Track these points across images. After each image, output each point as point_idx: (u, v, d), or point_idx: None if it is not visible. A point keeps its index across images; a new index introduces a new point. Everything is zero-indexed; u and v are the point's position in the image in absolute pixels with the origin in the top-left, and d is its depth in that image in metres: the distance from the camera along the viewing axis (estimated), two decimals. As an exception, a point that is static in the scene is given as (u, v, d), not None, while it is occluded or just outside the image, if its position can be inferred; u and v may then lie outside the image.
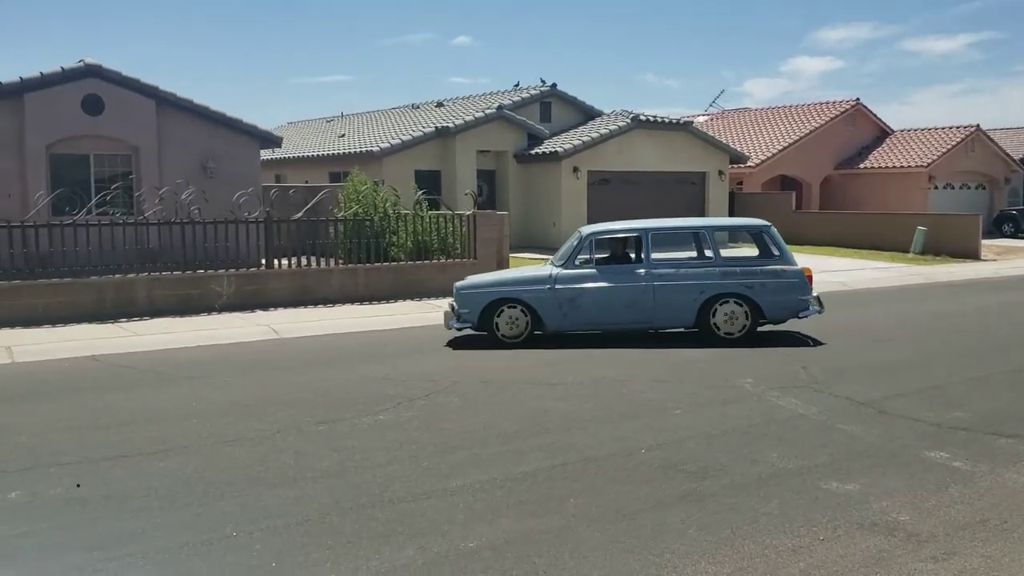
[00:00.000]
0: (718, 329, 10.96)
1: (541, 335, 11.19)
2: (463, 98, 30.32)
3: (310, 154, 28.04)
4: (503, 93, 28.66)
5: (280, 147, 21.56)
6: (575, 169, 25.21)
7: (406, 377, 9.19)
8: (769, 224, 11.70)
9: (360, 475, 5.88)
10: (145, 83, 18.42)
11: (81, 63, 18.03)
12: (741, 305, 10.98)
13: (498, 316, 11.10)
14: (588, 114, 28.10)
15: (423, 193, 17.26)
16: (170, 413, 7.79)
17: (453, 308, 11.35)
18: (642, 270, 11.14)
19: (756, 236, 11.71)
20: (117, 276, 13.23)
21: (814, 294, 11.18)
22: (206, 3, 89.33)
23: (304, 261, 15.08)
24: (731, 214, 28.95)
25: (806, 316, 11.13)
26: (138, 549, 4.64)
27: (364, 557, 4.51)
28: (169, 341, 11.55)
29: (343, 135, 29.03)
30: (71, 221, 13.52)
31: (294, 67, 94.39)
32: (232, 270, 14.16)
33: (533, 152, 25.73)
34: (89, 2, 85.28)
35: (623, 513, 5.11)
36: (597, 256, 11.41)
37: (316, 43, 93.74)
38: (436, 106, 29.75)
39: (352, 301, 14.99)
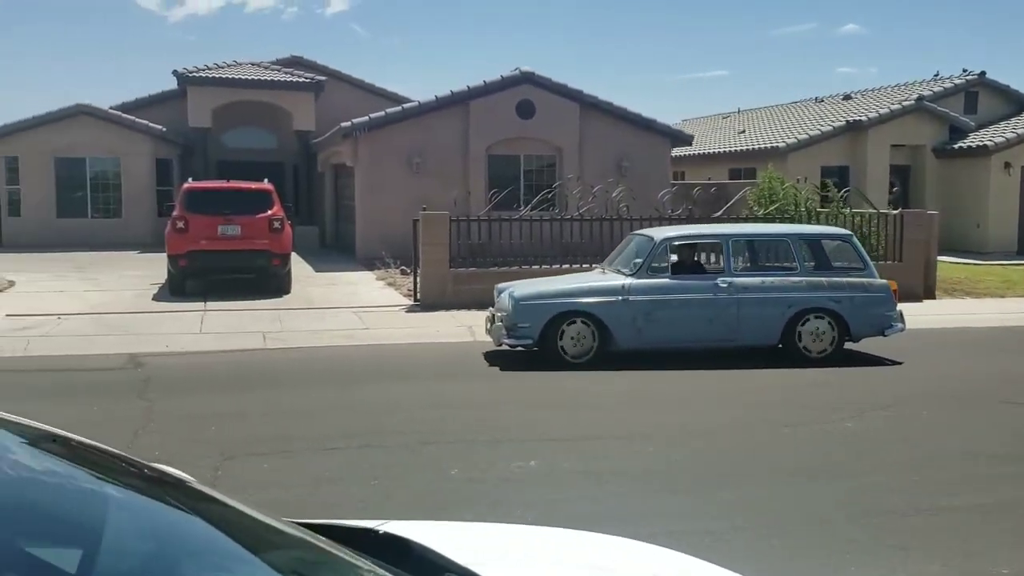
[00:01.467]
0: (804, 348, 10.10)
1: (611, 354, 9.95)
2: (872, 90, 28.70)
3: (709, 151, 28.28)
4: (920, 83, 26.69)
5: (690, 145, 22.04)
6: (1007, 165, 22.79)
7: (847, 382, 9.00)
8: (852, 233, 11.18)
9: (847, 482, 5.89)
10: (571, 88, 19.83)
11: (517, 71, 19.85)
12: (829, 321, 10.11)
13: (562, 332, 9.90)
14: (1021, 104, 25.24)
15: (846, 191, 16.69)
16: (620, 400, 8.37)
17: (502, 320, 10.01)
18: (724, 281, 10.09)
19: (840, 246, 10.82)
20: (555, 267, 14.40)
21: (898, 310, 10.36)
22: (588, 2, 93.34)
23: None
24: None
25: (891, 334, 10.32)
26: (663, 529, 5.04)
27: (888, 566, 4.53)
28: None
29: (743, 131, 28.90)
30: (517, 216, 14.93)
31: (676, 63, 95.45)
32: (654, 265, 14.74)
33: (956, 146, 23.67)
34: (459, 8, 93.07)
35: None
36: (673, 264, 10.30)
37: (696, 39, 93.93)
38: (843, 99, 28.49)
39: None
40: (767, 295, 10.12)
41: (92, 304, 13.49)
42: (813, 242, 10.77)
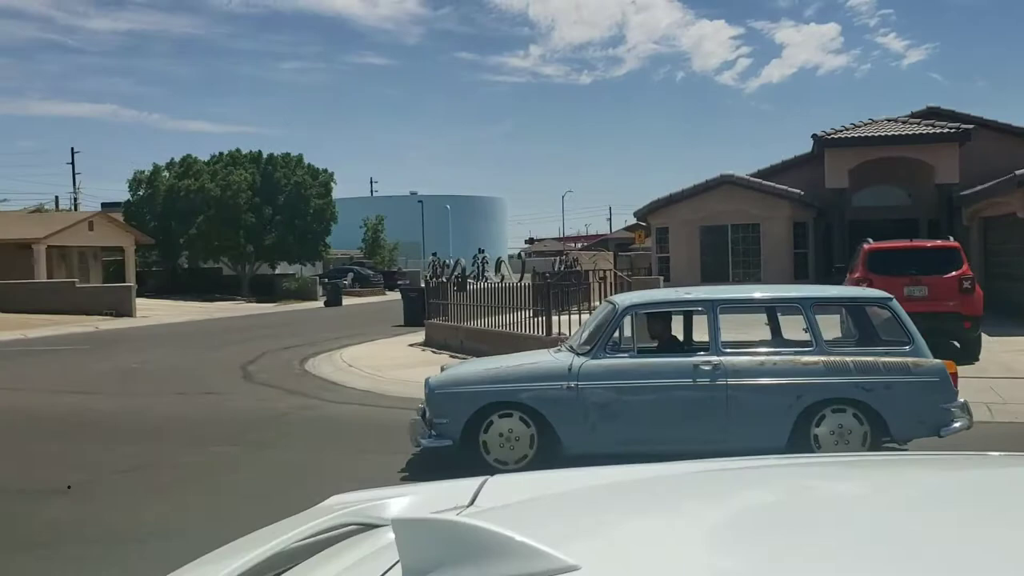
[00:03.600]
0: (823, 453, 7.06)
1: (556, 460, 7.16)
2: None
3: None
4: None
5: None
6: None
7: None
8: (891, 296, 7.83)
9: None
10: None
11: None
12: (857, 417, 7.17)
13: (485, 430, 7.52)
14: None
15: None
16: None
17: (424, 415, 7.80)
18: (709, 362, 7.43)
19: (875, 313, 7.96)
20: None
21: (961, 400, 7.20)
22: None
23: None
24: None
25: (948, 433, 7.07)
26: None
27: None
28: None
29: None
30: None
31: None
32: None
33: None
34: None
35: None
36: (640, 341, 7.98)
37: None
38: None
39: None
40: (768, 380, 7.42)
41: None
42: (836, 308, 8.25)
